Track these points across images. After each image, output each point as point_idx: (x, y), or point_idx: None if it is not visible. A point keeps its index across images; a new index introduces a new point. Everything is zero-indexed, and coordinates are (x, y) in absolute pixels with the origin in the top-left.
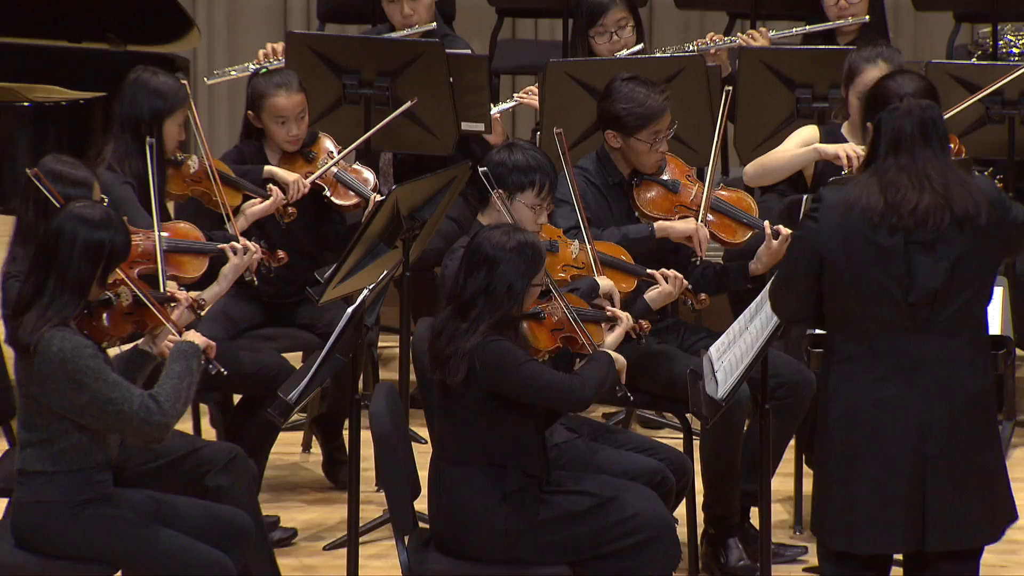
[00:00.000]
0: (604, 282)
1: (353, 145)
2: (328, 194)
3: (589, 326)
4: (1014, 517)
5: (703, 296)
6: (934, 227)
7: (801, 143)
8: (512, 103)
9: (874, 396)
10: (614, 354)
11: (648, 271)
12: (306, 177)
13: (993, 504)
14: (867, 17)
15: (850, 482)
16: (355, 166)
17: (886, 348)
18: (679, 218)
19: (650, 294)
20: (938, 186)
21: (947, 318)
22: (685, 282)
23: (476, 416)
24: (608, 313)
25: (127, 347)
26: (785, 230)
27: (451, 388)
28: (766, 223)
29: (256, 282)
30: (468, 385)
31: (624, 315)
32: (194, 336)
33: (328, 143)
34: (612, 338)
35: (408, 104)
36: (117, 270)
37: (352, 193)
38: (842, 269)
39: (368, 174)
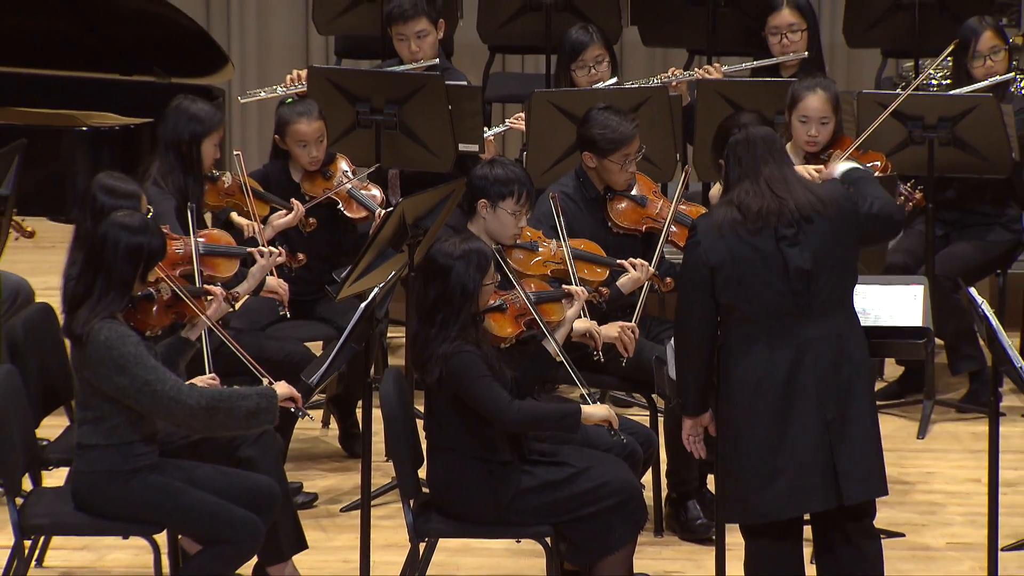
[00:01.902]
0: (581, 324)
1: (358, 178)
2: (342, 208)
3: (550, 306)
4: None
5: (668, 280)
6: (787, 223)
7: None
8: (503, 127)
9: (772, 378)
10: (594, 410)
11: (618, 261)
12: (324, 192)
13: (881, 459)
14: (806, 53)
15: (767, 458)
16: (366, 183)
17: (777, 335)
18: (646, 229)
19: (621, 280)
20: (778, 190)
21: (822, 301)
22: (651, 269)
23: (451, 412)
24: (566, 290)
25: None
26: None
27: (430, 386)
28: None
29: (288, 315)
30: (440, 386)
31: (579, 290)
32: (281, 387)
33: (343, 164)
34: (572, 312)
35: (373, 167)
36: (157, 269)
37: (362, 207)
38: (731, 274)
39: (376, 191)
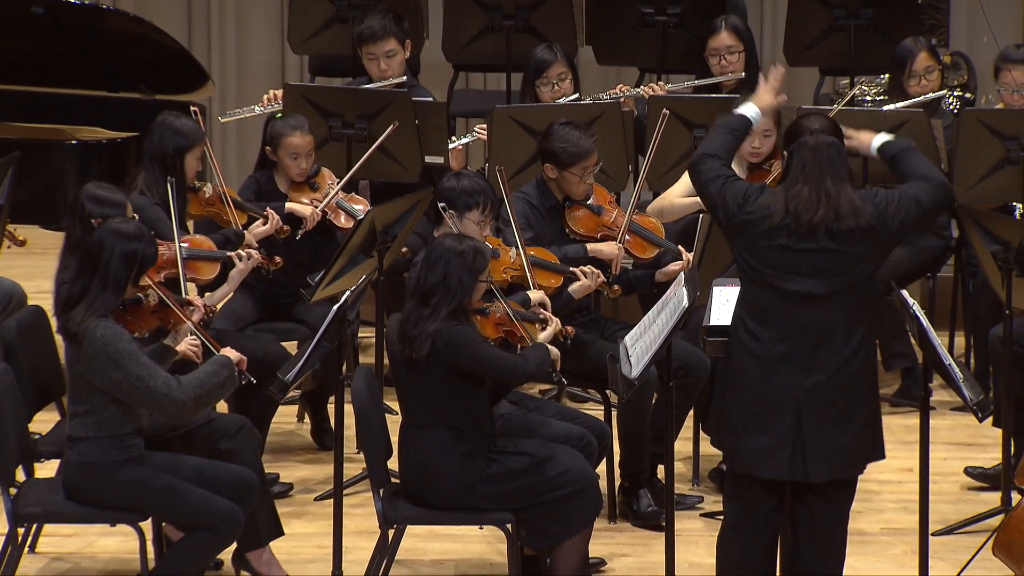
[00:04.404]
0: (535, 294)
1: (349, 174)
2: (330, 217)
3: (525, 324)
4: (881, 456)
5: (616, 287)
6: (822, 230)
7: None
8: (471, 137)
9: (762, 348)
10: (550, 346)
11: (570, 268)
12: (313, 203)
13: (860, 444)
14: (743, 74)
15: (751, 418)
16: (352, 195)
17: (777, 316)
18: (601, 237)
19: (572, 287)
20: (832, 199)
21: (827, 297)
22: (601, 276)
23: (438, 386)
24: (542, 316)
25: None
26: (688, 254)
27: (417, 363)
28: (680, 247)
29: (271, 271)
30: (431, 360)
31: (553, 318)
32: (229, 352)
33: (328, 176)
34: (544, 336)
35: (390, 128)
36: (147, 277)
37: (350, 217)
38: (748, 251)
39: (362, 201)
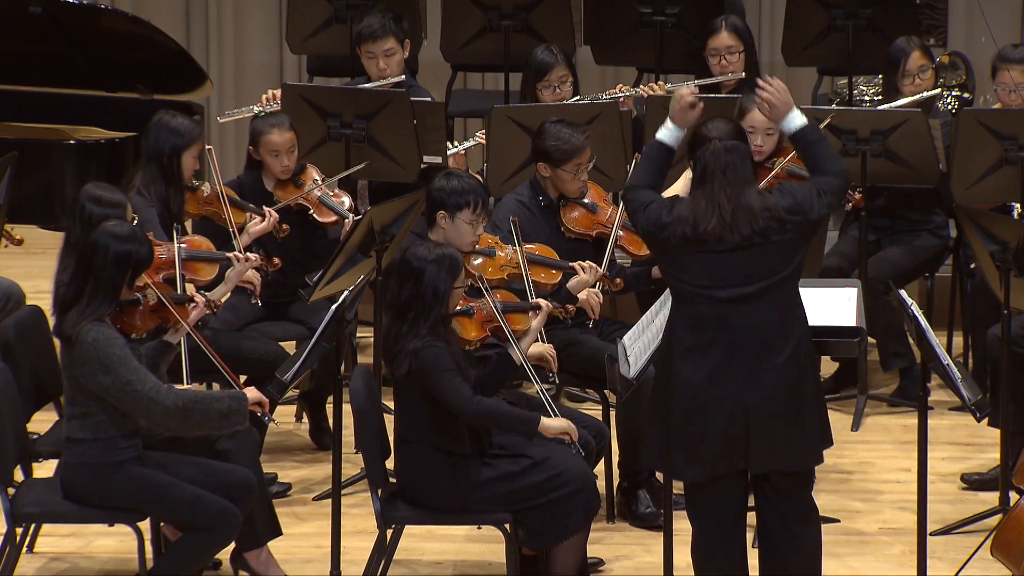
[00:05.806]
0: (536, 349)
1: (334, 179)
2: (313, 213)
3: (516, 316)
4: (830, 442)
5: (618, 280)
6: (727, 241)
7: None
8: (473, 142)
9: (699, 355)
10: (553, 422)
11: (569, 264)
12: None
13: (808, 434)
14: (743, 74)
15: (691, 424)
16: (335, 191)
17: (710, 322)
18: (596, 235)
19: (571, 283)
20: (725, 212)
21: (755, 295)
22: (600, 270)
23: (419, 405)
24: (534, 303)
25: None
26: None
27: (399, 380)
28: None
29: (260, 303)
30: (409, 379)
31: (545, 303)
32: (251, 392)
33: (313, 173)
34: (536, 323)
35: (362, 164)
36: (144, 276)
37: (332, 212)
38: (676, 269)
39: (345, 198)
